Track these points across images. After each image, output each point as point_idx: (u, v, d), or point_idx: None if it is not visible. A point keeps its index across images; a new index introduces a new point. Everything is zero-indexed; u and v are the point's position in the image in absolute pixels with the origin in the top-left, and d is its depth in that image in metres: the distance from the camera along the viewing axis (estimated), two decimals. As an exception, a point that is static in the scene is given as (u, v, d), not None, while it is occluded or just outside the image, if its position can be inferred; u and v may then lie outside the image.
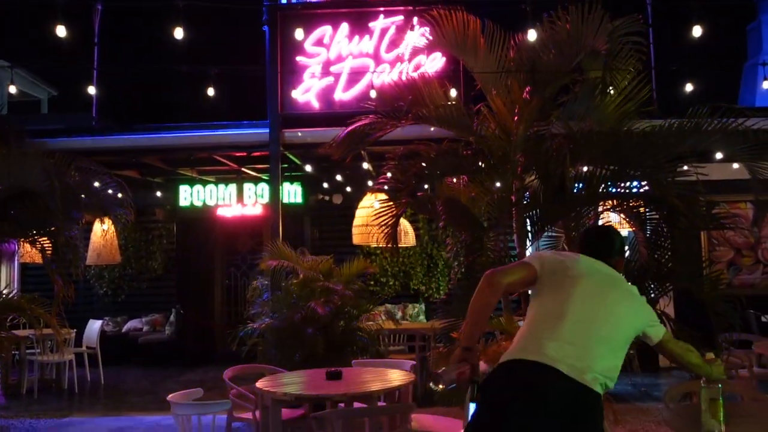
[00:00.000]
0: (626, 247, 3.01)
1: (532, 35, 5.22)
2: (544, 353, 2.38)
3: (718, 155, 5.27)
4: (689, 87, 6.96)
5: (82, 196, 7.38)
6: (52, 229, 7.10)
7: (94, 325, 9.49)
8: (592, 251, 2.80)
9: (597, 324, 2.48)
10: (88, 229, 9.94)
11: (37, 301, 6.91)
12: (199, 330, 11.01)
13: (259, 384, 4.71)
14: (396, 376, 4.80)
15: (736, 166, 5.40)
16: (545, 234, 5.10)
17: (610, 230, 3.01)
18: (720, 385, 2.95)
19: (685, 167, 4.82)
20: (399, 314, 10.14)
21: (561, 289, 2.56)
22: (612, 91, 5.06)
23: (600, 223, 5.03)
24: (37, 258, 7.64)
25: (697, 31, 6.00)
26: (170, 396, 4.20)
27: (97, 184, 7.37)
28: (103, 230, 9.93)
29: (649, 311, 2.72)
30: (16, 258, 10.86)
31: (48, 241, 7.21)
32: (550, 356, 2.37)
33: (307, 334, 6.58)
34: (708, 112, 4.59)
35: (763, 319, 8.30)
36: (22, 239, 7.51)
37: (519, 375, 2.40)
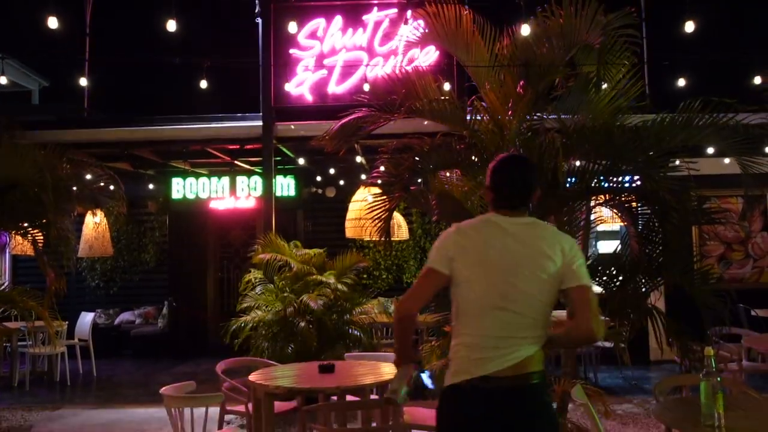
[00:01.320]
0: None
1: (525, 29, 5.22)
2: (475, 368, 2.44)
3: (710, 150, 5.31)
4: (682, 81, 6.99)
5: (74, 188, 7.36)
6: (44, 221, 7.08)
7: (86, 318, 9.47)
8: (507, 202, 2.58)
9: (515, 311, 2.44)
10: (80, 221, 9.91)
11: (28, 293, 6.89)
12: (191, 322, 11.00)
13: (251, 377, 4.72)
14: (388, 370, 4.81)
15: (727, 160, 5.43)
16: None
17: (527, 174, 2.63)
18: (720, 378, 2.99)
19: (677, 162, 4.84)
20: (392, 307, 10.16)
21: (473, 285, 2.50)
22: (605, 86, 5.07)
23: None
24: (29, 250, 7.61)
25: (690, 25, 6.02)
26: (163, 389, 4.20)
27: (89, 176, 7.35)
28: (95, 222, 9.90)
29: (564, 255, 2.48)
30: (7, 250, 10.82)
31: (40, 233, 7.19)
32: (482, 367, 2.43)
33: (300, 327, 6.59)
34: (700, 107, 4.61)
35: (753, 313, 8.36)
36: (14, 231, 7.48)
37: (462, 402, 2.48)
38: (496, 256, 2.48)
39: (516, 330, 2.45)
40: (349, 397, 4.72)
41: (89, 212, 9.82)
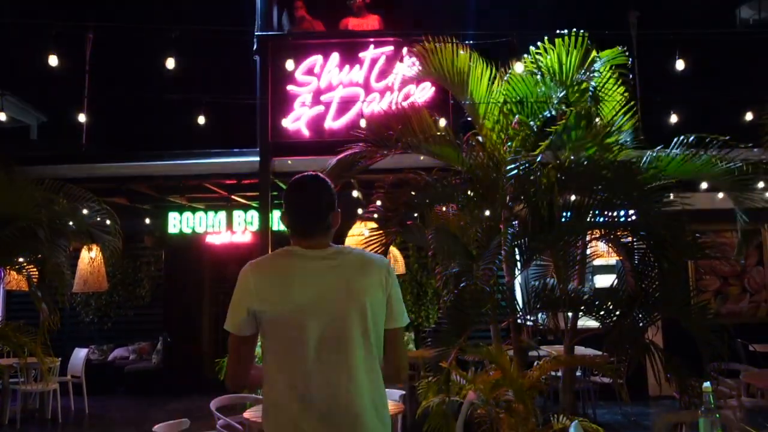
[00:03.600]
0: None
1: (519, 67, 5.31)
2: None
3: (704, 185, 5.35)
4: (674, 117, 7.07)
5: (70, 223, 7.35)
6: (39, 256, 7.06)
7: (80, 354, 9.36)
8: (305, 235, 2.36)
9: (339, 373, 2.14)
10: (76, 255, 9.86)
11: (22, 329, 6.83)
12: (186, 358, 10.88)
13: (246, 414, 4.66)
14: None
15: (720, 195, 5.47)
16: (534, 263, 5.13)
17: (319, 210, 2.34)
18: (719, 415, 2.96)
19: (671, 196, 4.88)
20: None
21: (286, 351, 2.18)
22: (598, 121, 5.14)
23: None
24: (23, 285, 7.56)
25: (680, 64, 6.13)
26: (156, 426, 4.14)
27: (85, 211, 7.36)
28: (90, 257, 9.84)
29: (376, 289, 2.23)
30: (1, 285, 10.75)
31: (34, 269, 7.16)
32: None
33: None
34: (694, 143, 4.67)
35: (751, 348, 8.32)
36: (8, 266, 7.45)
37: None
38: (303, 305, 2.19)
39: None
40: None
41: (85, 247, 9.78)
